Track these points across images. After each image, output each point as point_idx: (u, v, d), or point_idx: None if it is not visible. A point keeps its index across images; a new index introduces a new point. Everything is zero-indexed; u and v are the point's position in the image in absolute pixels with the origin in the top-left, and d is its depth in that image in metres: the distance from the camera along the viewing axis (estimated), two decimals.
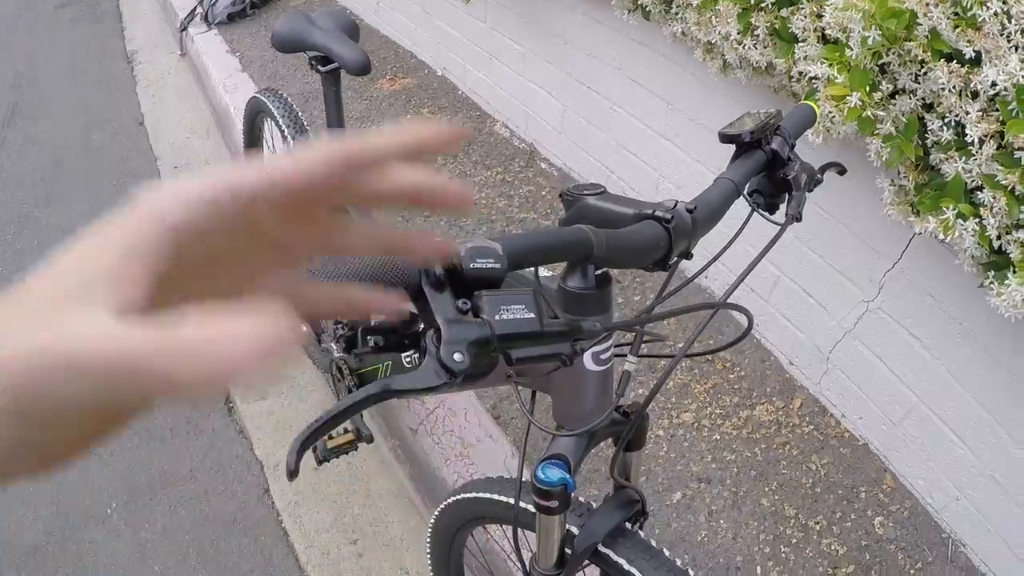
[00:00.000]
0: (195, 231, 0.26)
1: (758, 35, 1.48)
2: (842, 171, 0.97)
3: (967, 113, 1.13)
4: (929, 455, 1.65)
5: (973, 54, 1.11)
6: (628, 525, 0.94)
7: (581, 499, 0.99)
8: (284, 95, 1.82)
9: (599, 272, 0.73)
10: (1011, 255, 1.17)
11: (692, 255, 0.72)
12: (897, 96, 1.27)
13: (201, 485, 1.98)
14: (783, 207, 0.85)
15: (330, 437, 1.74)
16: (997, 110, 1.10)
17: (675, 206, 0.69)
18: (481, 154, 3.03)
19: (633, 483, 0.96)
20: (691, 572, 0.93)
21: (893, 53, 1.22)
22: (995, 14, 1.07)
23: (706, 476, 1.77)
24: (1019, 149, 1.07)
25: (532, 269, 0.65)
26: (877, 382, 1.73)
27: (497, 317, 0.47)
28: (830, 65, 1.27)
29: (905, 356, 1.64)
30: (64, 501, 1.95)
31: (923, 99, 1.24)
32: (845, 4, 1.21)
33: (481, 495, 1.11)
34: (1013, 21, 1.07)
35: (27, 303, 0.24)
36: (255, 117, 2.00)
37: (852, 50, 1.23)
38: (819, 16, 1.32)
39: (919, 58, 1.19)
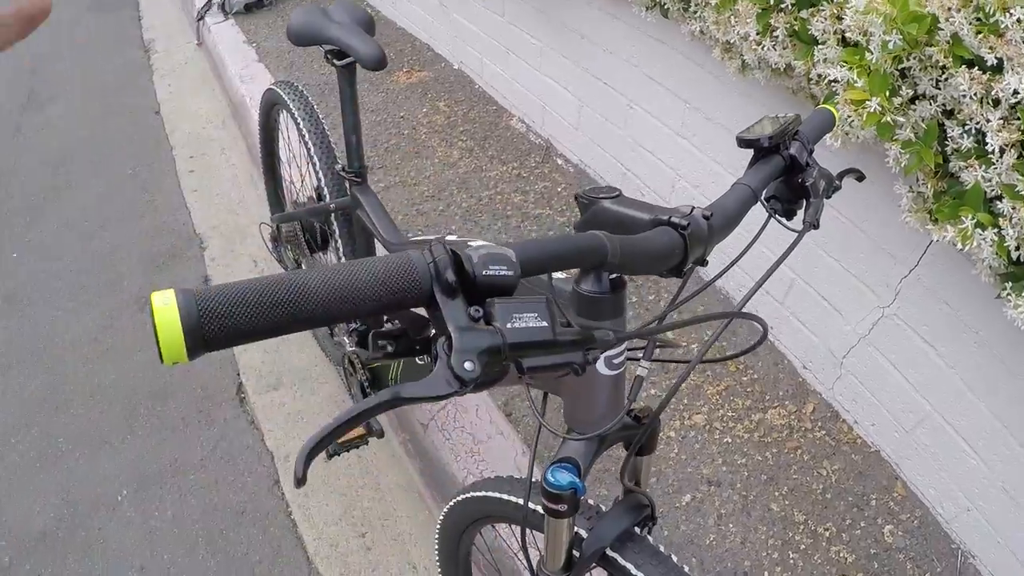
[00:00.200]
0: None
1: (777, 36, 1.47)
2: (860, 178, 0.96)
3: (988, 121, 1.12)
4: (941, 464, 1.63)
5: (995, 61, 1.09)
6: (637, 530, 0.93)
7: (590, 502, 0.99)
8: (300, 87, 1.82)
9: (613, 276, 0.73)
10: None
11: (707, 262, 0.72)
12: (917, 102, 1.25)
13: (211, 475, 1.99)
14: (800, 213, 0.84)
15: None
16: (1019, 118, 1.09)
17: (691, 212, 0.69)
18: (497, 148, 3.02)
19: (643, 488, 0.96)
20: None
21: (914, 58, 1.21)
22: (1018, 21, 1.06)
23: (716, 479, 1.76)
24: None
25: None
26: (891, 389, 1.71)
27: (509, 325, 0.46)
28: (850, 68, 1.26)
29: (920, 364, 1.62)
30: (74, 488, 1.96)
31: (943, 105, 1.23)
32: (866, 7, 1.20)
33: (490, 494, 1.11)
34: None
35: None
36: (270, 109, 2.00)
37: (872, 54, 1.22)
38: (839, 18, 1.31)
39: (940, 63, 1.17)
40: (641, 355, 0.83)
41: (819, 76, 1.39)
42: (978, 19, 1.11)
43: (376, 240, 1.54)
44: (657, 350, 0.84)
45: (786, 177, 0.83)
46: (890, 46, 1.17)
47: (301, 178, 1.96)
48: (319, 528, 1.86)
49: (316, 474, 1.97)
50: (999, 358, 1.43)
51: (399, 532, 1.84)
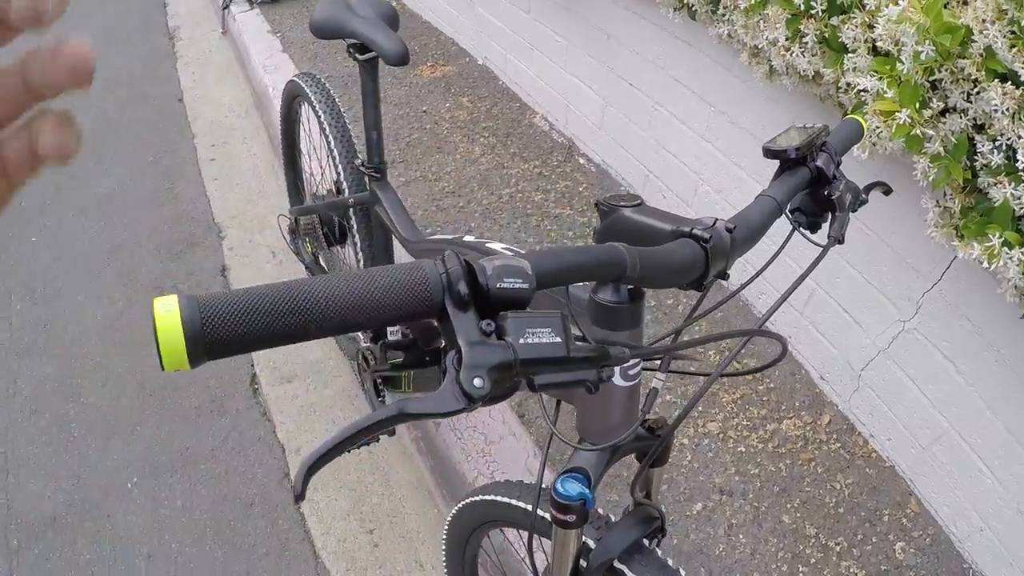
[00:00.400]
0: None
1: (806, 43, 1.44)
2: (888, 191, 0.94)
3: (1020, 137, 1.09)
4: (956, 483, 1.61)
5: None
6: (645, 542, 0.92)
7: (600, 511, 0.97)
8: (322, 80, 1.81)
9: (632, 286, 0.72)
10: None
11: (729, 275, 0.70)
12: (947, 115, 1.23)
13: (222, 465, 1.99)
14: (825, 227, 0.83)
15: None
16: None
17: (714, 224, 0.67)
18: (519, 146, 3.01)
19: (654, 500, 0.94)
20: None
21: (945, 70, 1.18)
22: None
23: (728, 488, 1.74)
24: None
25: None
26: (908, 404, 1.69)
27: (522, 341, 0.45)
28: (880, 78, 1.24)
29: (939, 380, 1.60)
30: (85, 474, 1.97)
31: (974, 119, 1.20)
32: (899, 16, 1.17)
33: (499, 498, 1.10)
34: None
35: None
36: (292, 101, 2.00)
37: (903, 64, 1.19)
38: (871, 27, 1.28)
39: (972, 76, 1.15)
40: (658, 367, 0.82)
41: (848, 85, 1.36)
42: (1013, 32, 1.08)
43: (394, 237, 1.53)
44: (674, 362, 0.83)
45: (812, 189, 0.81)
46: (922, 57, 1.14)
47: (321, 171, 1.96)
48: (327, 523, 1.86)
49: (327, 468, 1.96)
50: (1020, 377, 1.40)
51: (407, 530, 1.83)
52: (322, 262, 2.14)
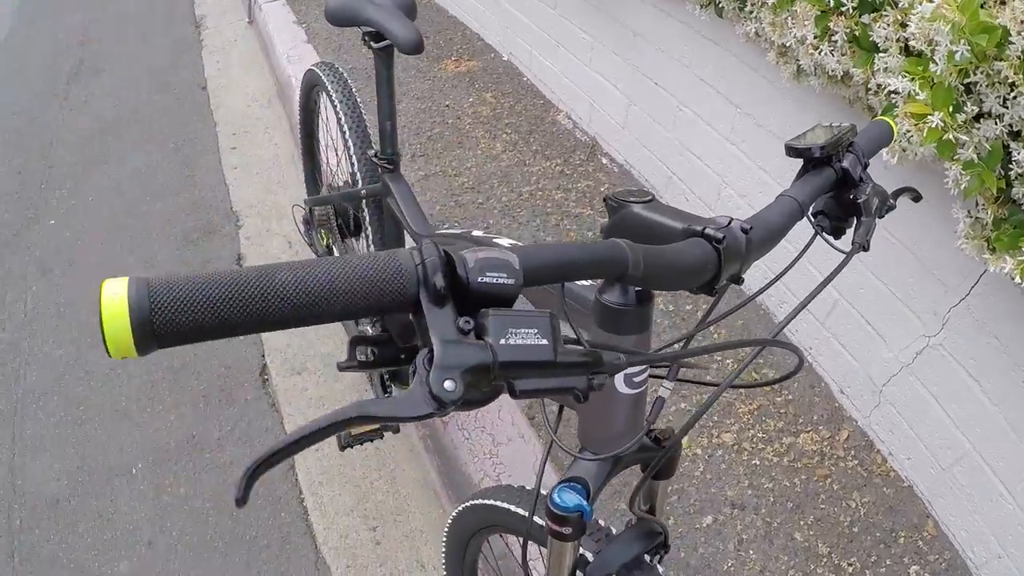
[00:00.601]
0: None
1: (836, 41, 1.39)
2: (917, 198, 0.88)
3: None
4: (976, 506, 1.54)
5: None
6: (647, 558, 0.88)
7: (601, 523, 0.93)
8: (340, 70, 1.78)
9: (640, 287, 0.67)
10: None
11: (743, 279, 0.65)
12: (982, 120, 1.17)
13: (228, 455, 1.98)
14: (849, 232, 0.78)
15: None
16: None
17: (729, 224, 0.62)
18: (542, 143, 2.97)
19: (658, 514, 0.90)
20: None
21: (981, 72, 1.13)
22: None
23: (740, 502, 1.69)
24: None
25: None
26: (930, 422, 1.63)
27: (503, 341, 0.41)
28: (912, 79, 1.18)
29: (962, 398, 1.53)
30: (91, 457, 1.96)
31: (1010, 126, 1.14)
32: (933, 14, 1.12)
33: (499, 503, 1.07)
34: None
35: None
36: (311, 90, 1.97)
37: (937, 65, 1.14)
38: (903, 25, 1.23)
39: (1009, 80, 1.09)
40: (666, 375, 0.77)
41: (878, 86, 1.31)
42: None
43: (405, 230, 1.50)
44: (687, 371, 0.78)
45: (836, 192, 0.76)
46: (956, 57, 1.09)
47: (337, 161, 1.93)
48: (330, 517, 1.83)
49: (332, 462, 1.95)
50: None
51: (411, 529, 1.80)
52: (336, 254, 2.11)
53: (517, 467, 1.74)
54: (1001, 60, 1.08)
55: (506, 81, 3.40)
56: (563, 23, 2.93)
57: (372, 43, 1.41)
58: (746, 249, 0.63)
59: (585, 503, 0.75)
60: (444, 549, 1.30)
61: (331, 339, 2.29)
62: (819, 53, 1.43)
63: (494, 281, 0.42)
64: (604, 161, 2.83)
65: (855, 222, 0.76)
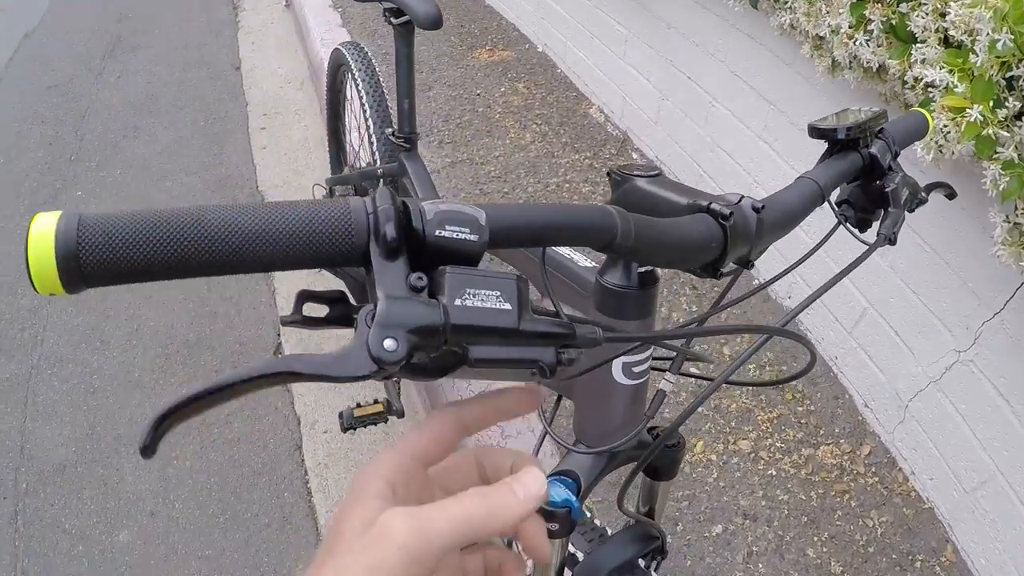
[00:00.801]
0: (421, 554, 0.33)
1: (872, 31, 1.32)
2: (951, 195, 0.82)
3: None
4: (998, 533, 1.47)
5: None
6: (641, 562, 0.83)
7: (597, 521, 0.89)
8: (364, 48, 1.76)
9: (644, 269, 0.62)
10: None
11: (753, 264, 0.60)
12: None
13: (236, 431, 1.96)
14: (876, 225, 0.72)
15: (358, 405, 1.68)
16: None
17: (739, 201, 0.57)
18: (572, 136, 2.92)
19: (657, 517, 0.85)
20: None
21: None
22: None
23: (753, 513, 1.63)
24: None
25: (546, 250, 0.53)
26: (956, 442, 1.55)
27: (458, 302, 0.36)
28: (950, 71, 1.11)
29: (991, 419, 1.46)
30: (100, 425, 1.96)
31: None
32: (974, 0, 1.05)
33: None
34: None
35: None
36: (337, 70, 1.95)
37: (977, 56, 1.07)
38: (943, 15, 1.16)
39: None
40: (668, 368, 0.72)
41: (915, 79, 1.24)
42: None
43: None
44: (698, 366, 0.73)
45: (863, 180, 0.71)
46: (998, 47, 1.02)
47: (360, 141, 1.90)
48: (333, 500, 1.81)
49: (339, 444, 1.93)
50: None
51: None
52: None
53: None
54: None
55: (539, 72, 3.36)
56: (599, 15, 2.88)
57: (392, 19, 1.38)
58: (757, 230, 0.57)
59: (574, 498, 0.70)
60: None
61: None
62: (854, 43, 1.37)
63: (454, 236, 0.37)
64: (635, 156, 2.77)
65: (882, 214, 0.71)
